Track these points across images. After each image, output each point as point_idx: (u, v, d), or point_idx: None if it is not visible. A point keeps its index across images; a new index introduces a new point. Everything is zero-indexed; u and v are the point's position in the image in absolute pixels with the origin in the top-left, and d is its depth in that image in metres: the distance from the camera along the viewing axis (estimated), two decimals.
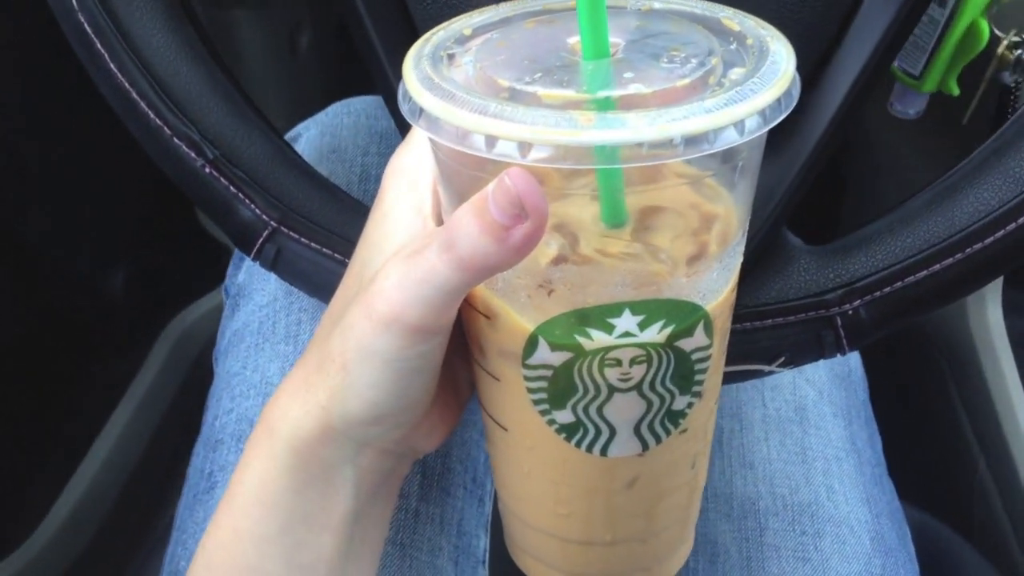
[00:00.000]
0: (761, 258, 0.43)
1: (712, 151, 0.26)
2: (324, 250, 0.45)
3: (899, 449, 0.68)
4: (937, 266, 0.41)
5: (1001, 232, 0.40)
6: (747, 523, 0.56)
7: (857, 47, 0.41)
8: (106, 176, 1.03)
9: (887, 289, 0.42)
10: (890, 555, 0.56)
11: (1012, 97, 0.66)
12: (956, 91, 0.61)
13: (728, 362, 0.42)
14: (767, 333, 0.43)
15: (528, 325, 0.32)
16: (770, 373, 0.45)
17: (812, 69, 0.42)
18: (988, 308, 0.86)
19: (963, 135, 0.72)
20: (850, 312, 0.42)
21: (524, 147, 0.26)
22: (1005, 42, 0.61)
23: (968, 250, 0.40)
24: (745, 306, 0.43)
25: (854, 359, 0.68)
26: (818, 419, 0.61)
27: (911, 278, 0.41)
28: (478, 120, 0.26)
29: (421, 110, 0.28)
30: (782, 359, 0.44)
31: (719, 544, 0.55)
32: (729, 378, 0.45)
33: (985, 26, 0.58)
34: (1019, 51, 0.62)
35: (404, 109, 0.29)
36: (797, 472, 0.58)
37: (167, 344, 1.12)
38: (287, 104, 1.15)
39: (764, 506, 0.56)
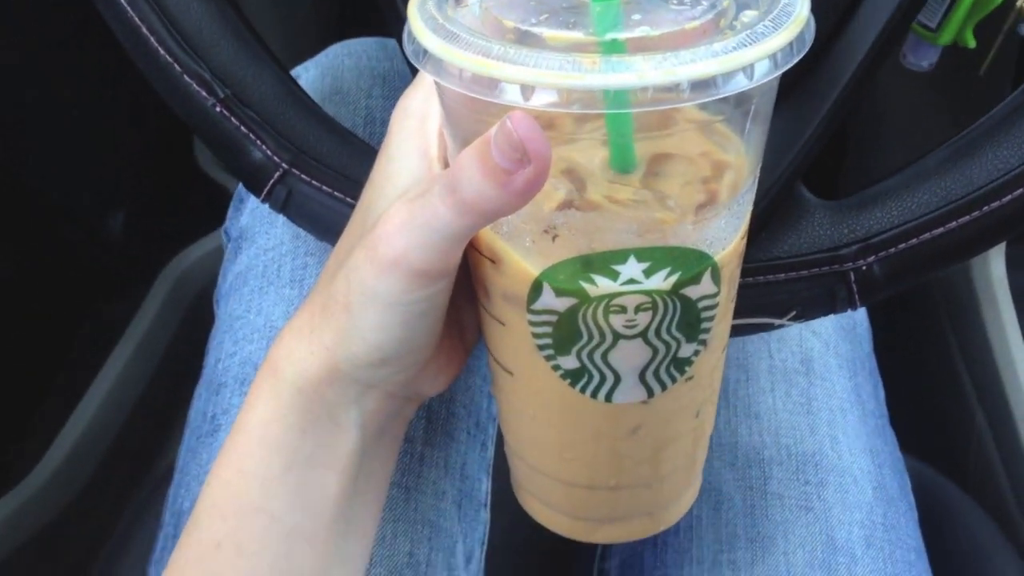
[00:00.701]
0: (775, 212, 0.43)
1: (720, 96, 0.25)
2: (335, 193, 0.45)
3: (900, 400, 0.68)
4: (954, 223, 0.40)
5: (1020, 190, 0.39)
6: (751, 472, 0.56)
7: (879, 4, 0.40)
8: (106, 117, 1.03)
9: (902, 246, 0.41)
10: (891, 504, 0.56)
11: None
12: (973, 43, 0.60)
13: (738, 315, 0.42)
14: (779, 287, 0.43)
15: (533, 270, 0.32)
16: (780, 327, 0.45)
17: (835, 21, 0.41)
18: (991, 262, 0.85)
19: (977, 88, 0.71)
20: (864, 268, 0.42)
21: (527, 90, 0.26)
22: None
23: (985, 208, 0.40)
24: (758, 260, 0.43)
25: (860, 312, 0.68)
26: (824, 371, 0.61)
27: (927, 235, 0.41)
28: (481, 62, 0.26)
29: (424, 51, 0.28)
30: (793, 313, 0.44)
31: (723, 492, 0.56)
32: (739, 331, 0.44)
33: None
34: None
35: (408, 50, 0.29)
36: (802, 422, 0.58)
37: (166, 285, 1.12)
38: (286, 40, 1.13)
39: (768, 455, 0.57)
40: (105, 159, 1.04)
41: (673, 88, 0.25)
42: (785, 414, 0.58)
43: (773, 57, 0.26)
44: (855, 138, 1.00)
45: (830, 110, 0.41)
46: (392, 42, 0.66)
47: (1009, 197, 0.39)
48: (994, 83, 0.73)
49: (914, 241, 0.41)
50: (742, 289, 0.40)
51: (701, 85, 0.25)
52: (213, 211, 0.91)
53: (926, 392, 0.98)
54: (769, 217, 0.43)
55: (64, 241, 0.99)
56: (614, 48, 0.27)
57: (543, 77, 0.25)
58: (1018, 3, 0.58)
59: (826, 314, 0.44)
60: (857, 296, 0.43)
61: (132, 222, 1.05)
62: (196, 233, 1.17)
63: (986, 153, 0.40)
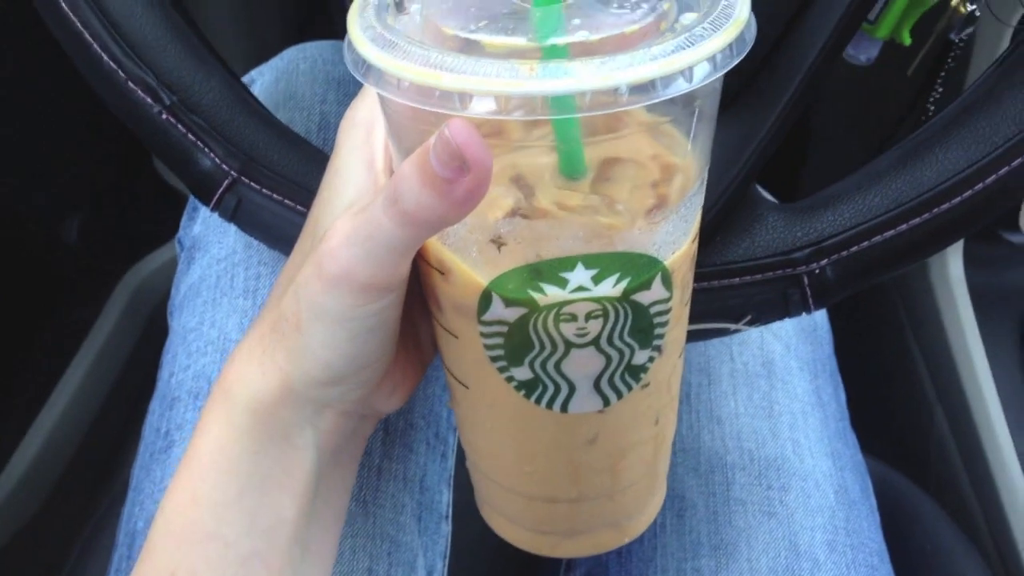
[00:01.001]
0: (729, 216, 0.43)
1: (660, 99, 0.25)
2: (286, 201, 0.44)
3: (860, 402, 0.69)
4: (904, 226, 0.40)
5: (968, 192, 0.39)
6: (714, 478, 0.56)
7: (829, 5, 0.41)
8: (61, 123, 1.01)
9: (854, 248, 0.41)
10: (853, 507, 0.56)
11: (953, 52, 0.66)
12: (908, 41, 0.60)
13: (694, 320, 0.42)
14: (734, 292, 0.43)
15: (481, 280, 0.31)
16: (736, 331, 0.45)
17: (784, 25, 0.41)
18: (949, 262, 0.86)
19: (908, 87, 0.72)
20: (817, 271, 0.42)
21: (465, 98, 0.25)
22: None
23: (936, 210, 0.40)
24: (712, 264, 0.43)
25: (820, 314, 0.68)
26: (785, 373, 0.61)
27: (878, 238, 0.41)
28: (419, 71, 0.26)
29: (363, 61, 0.28)
30: (748, 318, 0.44)
31: (686, 499, 0.56)
32: (695, 336, 0.44)
33: None
34: (972, 6, 0.61)
35: (348, 60, 0.29)
36: (764, 426, 0.58)
37: (124, 295, 1.10)
38: (245, 44, 1.12)
39: (731, 461, 0.57)
40: (62, 164, 1.02)
41: (612, 92, 0.25)
42: (747, 418, 0.58)
43: (712, 59, 0.26)
44: (816, 136, 1.01)
45: (781, 112, 0.41)
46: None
47: (958, 199, 0.40)
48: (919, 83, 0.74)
49: (865, 244, 0.41)
50: (696, 294, 0.40)
51: (640, 88, 0.25)
52: (173, 219, 0.90)
53: (886, 393, 0.99)
54: (723, 221, 0.43)
55: (20, 247, 0.96)
56: (555, 53, 0.27)
57: (480, 84, 0.25)
58: (952, 3, 0.59)
59: (781, 318, 0.44)
60: (811, 299, 0.43)
61: (89, 229, 1.03)
62: (156, 241, 1.15)
63: (935, 155, 0.40)
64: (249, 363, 0.35)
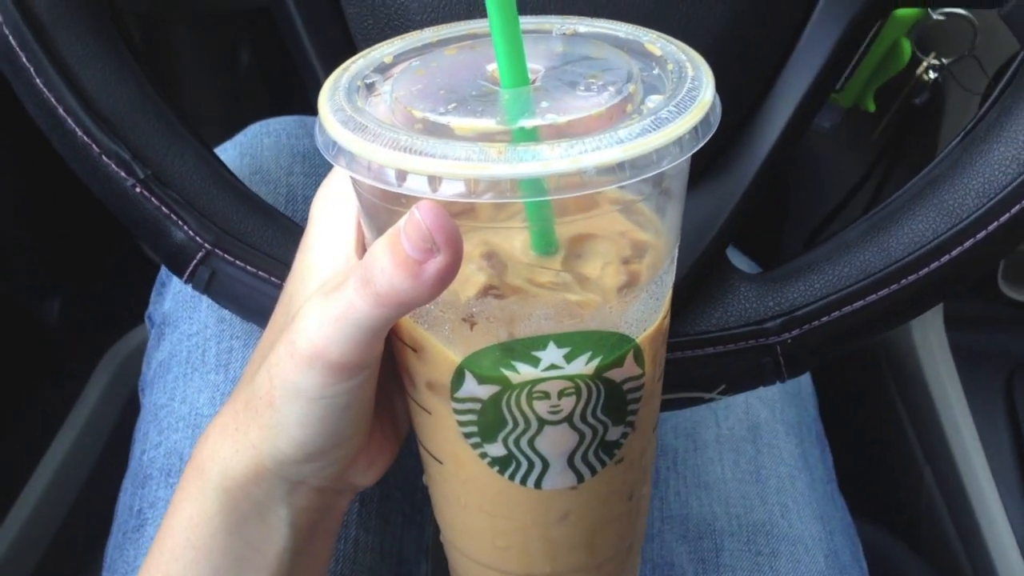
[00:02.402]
0: (701, 285, 0.43)
1: (626, 183, 0.25)
2: (260, 273, 0.44)
3: (849, 464, 0.68)
4: (874, 296, 0.41)
5: (935, 264, 0.40)
6: (703, 544, 0.56)
7: (798, 76, 0.41)
8: (42, 201, 1.01)
9: (825, 318, 0.42)
10: (844, 572, 0.56)
11: (919, 118, 0.67)
12: (872, 107, 0.61)
13: (668, 390, 0.42)
14: (707, 361, 0.43)
15: (454, 357, 0.31)
16: (711, 400, 0.45)
17: (754, 97, 0.42)
18: (929, 321, 0.87)
19: (870, 151, 0.74)
20: (789, 341, 0.42)
21: (434, 181, 0.25)
22: (924, 63, 0.63)
23: (904, 281, 0.41)
24: (685, 334, 0.43)
25: (804, 376, 0.68)
26: (771, 437, 0.61)
27: (848, 308, 0.41)
28: (388, 155, 0.26)
29: (334, 143, 0.28)
30: (722, 387, 0.44)
31: (676, 566, 0.55)
32: (669, 405, 0.44)
33: (907, 46, 0.59)
34: (936, 74, 0.63)
35: (318, 141, 0.29)
36: (751, 491, 0.58)
37: (106, 372, 1.09)
38: (226, 123, 1.13)
39: (720, 527, 0.56)
40: (41, 244, 1.02)
41: (580, 175, 0.25)
42: (735, 483, 0.58)
43: (679, 142, 0.26)
44: (796, 201, 1.02)
45: (751, 183, 0.42)
46: (311, 119, 0.66)
47: (926, 270, 0.40)
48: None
49: (836, 314, 0.42)
50: (669, 364, 0.40)
51: (608, 171, 0.25)
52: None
53: (875, 455, 0.98)
54: (695, 291, 0.43)
55: (0, 328, 0.96)
56: (525, 136, 0.27)
57: (450, 168, 0.25)
58: (917, 71, 0.60)
59: (755, 387, 0.44)
60: (784, 368, 0.43)
61: (71, 307, 1.02)
62: (138, 318, 1.14)
63: (903, 227, 0.41)
64: (222, 440, 0.35)
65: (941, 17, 0.59)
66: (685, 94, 0.28)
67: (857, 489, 0.68)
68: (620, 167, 0.25)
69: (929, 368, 0.87)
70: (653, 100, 0.28)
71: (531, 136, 0.27)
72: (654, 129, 0.26)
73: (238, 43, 1.14)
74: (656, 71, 0.30)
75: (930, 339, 0.87)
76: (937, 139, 0.80)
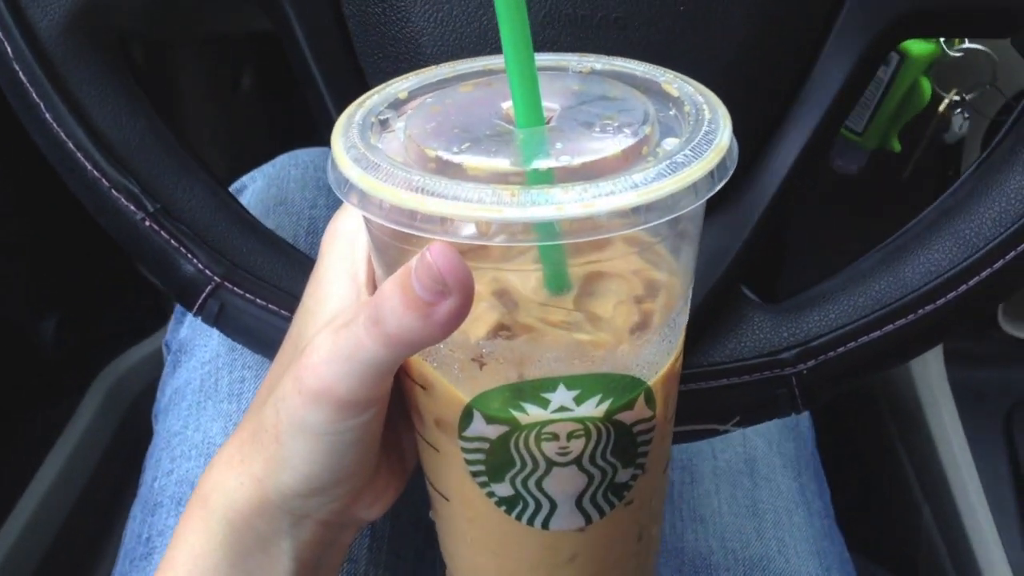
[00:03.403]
0: (714, 317, 0.43)
1: (642, 228, 0.25)
2: (269, 306, 0.44)
3: (845, 499, 0.68)
4: (890, 327, 0.41)
5: (952, 294, 0.40)
6: None
7: (809, 108, 0.41)
8: (37, 220, 1.01)
9: (841, 349, 0.41)
10: None
11: (952, 155, 0.67)
12: (898, 148, 0.61)
13: (682, 422, 0.41)
14: (722, 393, 0.43)
15: (463, 397, 0.31)
16: (725, 432, 0.45)
17: (766, 128, 0.42)
18: (929, 357, 0.87)
19: (901, 191, 0.73)
20: (805, 372, 0.42)
21: (446, 222, 0.25)
22: (947, 100, 0.63)
23: (920, 311, 0.40)
24: (699, 365, 0.43)
25: None
26: (768, 471, 0.60)
27: (864, 338, 0.41)
28: (400, 195, 0.26)
29: (346, 181, 0.28)
30: (736, 419, 0.44)
31: None
32: (683, 437, 0.44)
33: (927, 85, 0.59)
34: (959, 110, 0.63)
35: (331, 179, 0.29)
36: (748, 526, 0.57)
37: (100, 393, 1.09)
38: (229, 147, 1.13)
39: (716, 561, 0.56)
40: (36, 263, 1.01)
41: (594, 219, 0.25)
42: (731, 517, 0.58)
43: (694, 187, 0.26)
44: (794, 236, 1.02)
45: (764, 215, 0.42)
46: None
47: (943, 300, 0.40)
48: (917, 187, 0.75)
49: (852, 344, 0.41)
50: (684, 396, 0.40)
51: (622, 216, 0.25)
52: (151, 315, 0.89)
53: (872, 489, 0.98)
54: (709, 322, 0.43)
55: None
56: (540, 178, 0.27)
57: (462, 210, 0.25)
58: (940, 109, 0.60)
59: (770, 418, 0.44)
60: (800, 400, 0.42)
61: (66, 327, 1.02)
62: (133, 337, 1.14)
63: (918, 256, 0.40)
64: (227, 472, 0.35)
65: (958, 54, 0.59)
66: (702, 137, 0.27)
67: (855, 525, 0.68)
68: (634, 212, 0.25)
69: (928, 404, 0.86)
70: (669, 143, 0.28)
71: (546, 178, 0.27)
72: (669, 174, 0.26)
73: (239, 66, 1.14)
74: (672, 112, 0.30)
75: (930, 375, 0.86)
76: (960, 170, 0.80)
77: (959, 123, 0.63)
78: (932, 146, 0.65)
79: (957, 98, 0.63)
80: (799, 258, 0.96)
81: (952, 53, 0.58)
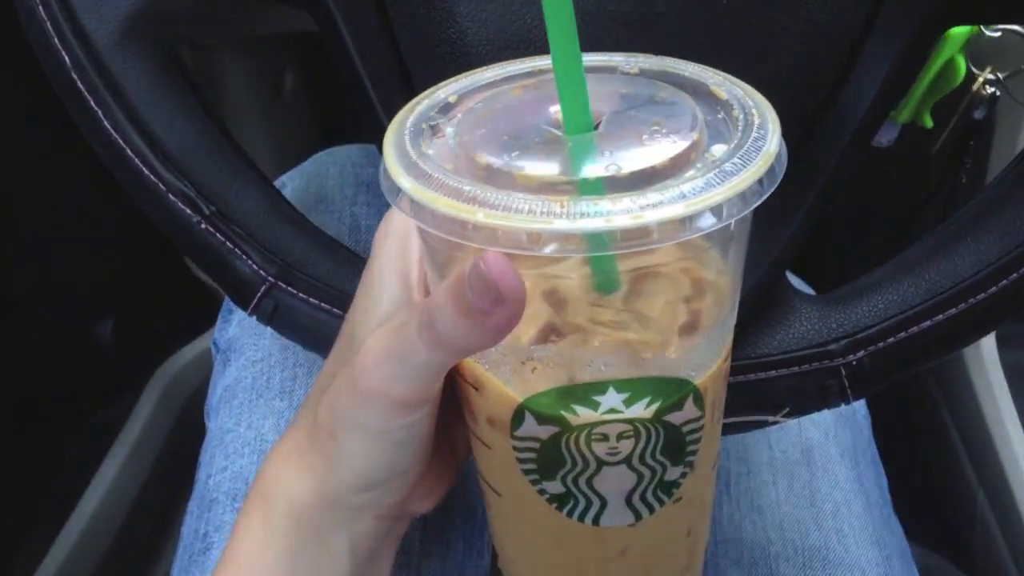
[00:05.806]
0: (762, 308, 0.43)
1: (689, 237, 0.25)
2: (322, 304, 0.45)
3: (901, 487, 0.67)
4: (940, 316, 0.40)
5: (1003, 282, 0.39)
6: (758, 570, 0.55)
7: (856, 97, 0.41)
8: (93, 225, 1.03)
9: (891, 340, 0.41)
10: None
11: (979, 132, 0.67)
12: (930, 123, 0.61)
13: (732, 413, 0.42)
14: (771, 384, 0.43)
15: (515, 396, 0.31)
16: (775, 423, 0.45)
17: (813, 115, 0.41)
18: (982, 340, 0.85)
19: (928, 166, 0.73)
20: (854, 362, 0.42)
21: (496, 232, 0.26)
22: (981, 79, 0.62)
23: (971, 300, 0.40)
24: (748, 357, 0.42)
25: None
26: (825, 461, 0.60)
27: (915, 328, 0.41)
28: (452, 205, 0.26)
29: (399, 190, 0.28)
30: (786, 410, 0.44)
31: None
32: (733, 428, 0.44)
33: (962, 62, 0.59)
34: (993, 88, 0.62)
35: (383, 186, 0.29)
36: (806, 515, 0.57)
37: (157, 389, 1.11)
38: (271, 147, 1.14)
39: (775, 551, 0.56)
40: (94, 267, 1.04)
41: (643, 230, 0.25)
42: (789, 507, 0.57)
43: (743, 195, 0.26)
44: (837, 219, 1.01)
45: (811, 203, 0.41)
46: (375, 149, 0.67)
47: (994, 289, 0.39)
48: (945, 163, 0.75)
49: (902, 335, 0.41)
50: (733, 387, 0.40)
51: (671, 226, 0.25)
52: (203, 314, 0.90)
53: (927, 477, 0.97)
54: (756, 313, 0.43)
55: (53, 352, 0.97)
56: (591, 188, 0.27)
57: (513, 221, 0.25)
58: (974, 87, 0.60)
59: (819, 409, 0.44)
60: (850, 390, 0.42)
61: (122, 328, 1.04)
62: (187, 336, 1.16)
63: (968, 246, 0.40)
64: (286, 466, 0.36)
65: (996, 34, 0.58)
66: (750, 144, 0.27)
67: (909, 512, 0.67)
68: (683, 222, 0.25)
69: (981, 388, 0.85)
70: (718, 149, 0.28)
71: (595, 187, 0.27)
72: (718, 183, 0.26)
73: (282, 68, 1.15)
74: (721, 115, 0.30)
75: (983, 358, 0.85)
76: (989, 153, 0.79)
77: (991, 102, 0.62)
78: (962, 123, 0.65)
79: (992, 77, 0.62)
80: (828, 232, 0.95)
81: (989, 33, 0.58)
